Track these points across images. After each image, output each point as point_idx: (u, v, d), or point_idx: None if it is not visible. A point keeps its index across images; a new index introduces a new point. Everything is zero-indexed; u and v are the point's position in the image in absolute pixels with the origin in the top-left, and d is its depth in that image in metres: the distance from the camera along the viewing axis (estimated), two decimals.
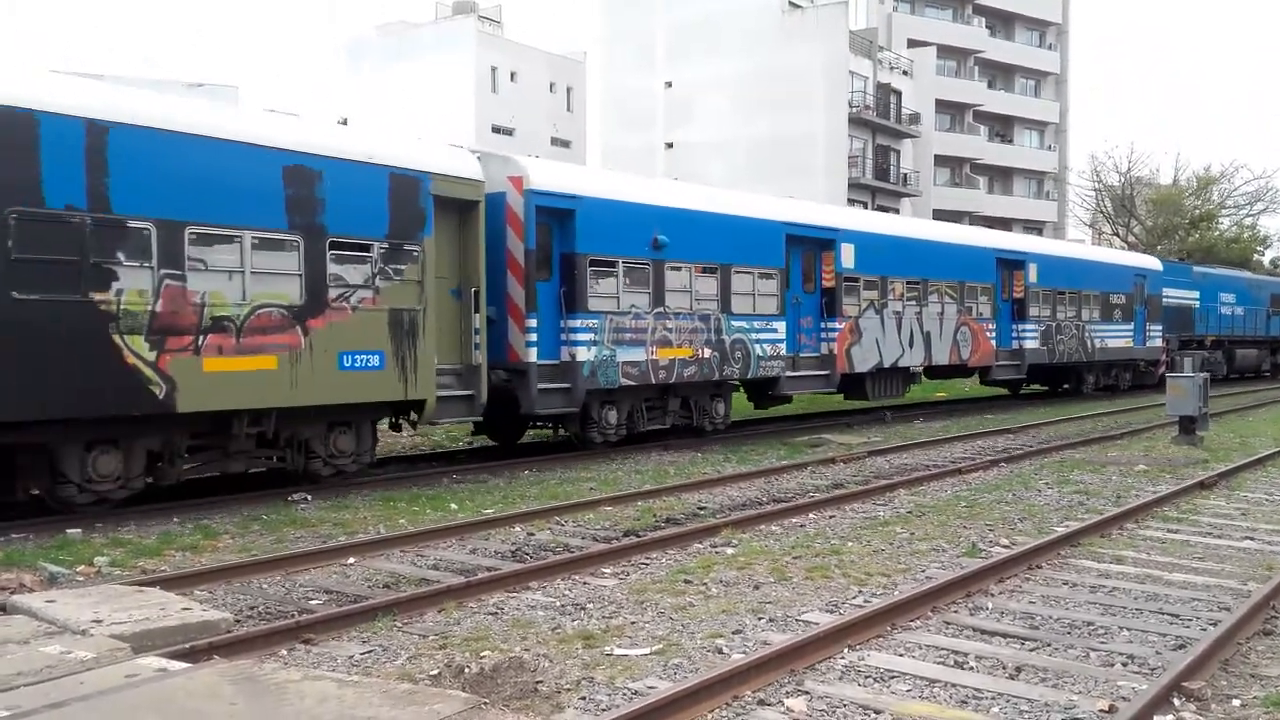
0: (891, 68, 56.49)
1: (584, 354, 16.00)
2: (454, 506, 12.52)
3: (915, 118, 58.01)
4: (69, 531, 10.66)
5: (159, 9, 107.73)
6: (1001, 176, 67.28)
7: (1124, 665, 6.79)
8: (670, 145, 52.17)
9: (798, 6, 51.86)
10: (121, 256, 10.93)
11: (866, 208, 50.16)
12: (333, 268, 12.82)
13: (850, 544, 10.40)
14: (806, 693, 6.20)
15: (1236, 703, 6.17)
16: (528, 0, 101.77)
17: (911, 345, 22.88)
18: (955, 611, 7.97)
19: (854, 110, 51.81)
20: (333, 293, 12.82)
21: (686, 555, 9.93)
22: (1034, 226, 64.46)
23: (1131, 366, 33.03)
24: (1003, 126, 67.83)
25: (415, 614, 7.85)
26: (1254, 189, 65.09)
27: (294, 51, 42.01)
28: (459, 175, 14.44)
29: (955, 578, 8.52)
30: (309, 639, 7.20)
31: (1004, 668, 6.70)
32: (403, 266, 13.56)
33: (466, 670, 6.39)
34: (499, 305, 15.32)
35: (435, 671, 6.48)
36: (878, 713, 5.91)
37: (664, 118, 52.58)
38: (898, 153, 56.57)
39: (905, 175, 56.98)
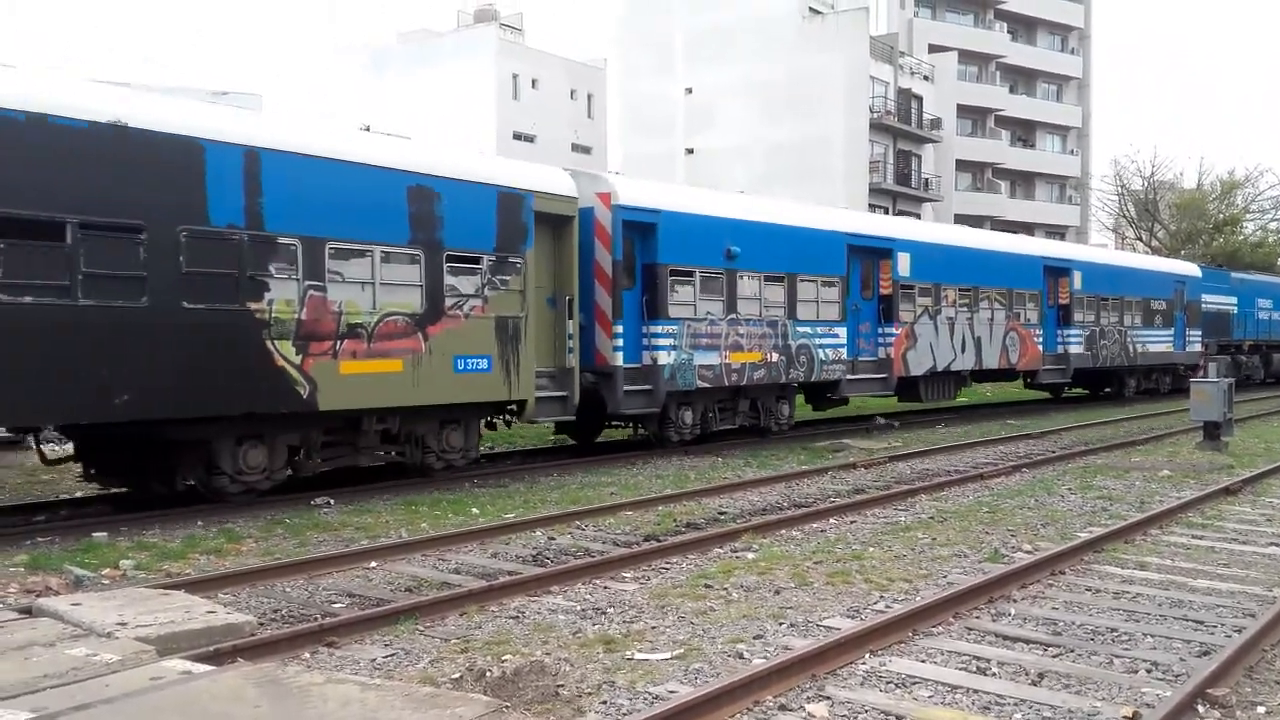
0: (912, 73, 56.36)
1: (664, 358, 17.10)
2: (475, 511, 12.56)
3: (936, 123, 57.84)
4: (94, 535, 10.76)
5: (157, 9, 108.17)
6: (1023, 181, 67.00)
7: (1148, 672, 6.75)
8: (691, 151, 52.18)
9: (818, 13, 51.83)
10: (272, 269, 12.14)
11: (887, 213, 50.06)
12: (449, 279, 14.00)
13: (871, 549, 10.38)
14: (828, 698, 6.19)
15: (1261, 709, 6.12)
16: (548, 8, 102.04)
17: (963, 350, 23.84)
18: (977, 617, 7.94)
19: (875, 115, 51.71)
20: (449, 301, 13.99)
21: (707, 560, 9.92)
22: (1056, 231, 64.16)
23: (1171, 370, 33.68)
24: (1024, 131, 67.57)
25: (437, 617, 7.88)
26: (1279, 193, 64.66)
27: (300, 54, 42.39)
28: (556, 193, 15.69)
29: (978, 583, 8.48)
30: (332, 642, 7.24)
31: (1026, 674, 6.67)
32: (508, 277, 14.77)
33: (488, 674, 6.41)
34: (587, 312, 16.42)
35: (457, 675, 6.50)
36: (899, 718, 5.89)
37: (684, 123, 52.58)
38: (919, 158, 56.41)
39: (926, 180, 56.81)
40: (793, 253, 19.58)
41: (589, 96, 62.50)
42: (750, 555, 10.10)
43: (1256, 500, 13.47)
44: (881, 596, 8.56)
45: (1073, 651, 7.13)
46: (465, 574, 9.48)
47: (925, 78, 57.72)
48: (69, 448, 11.98)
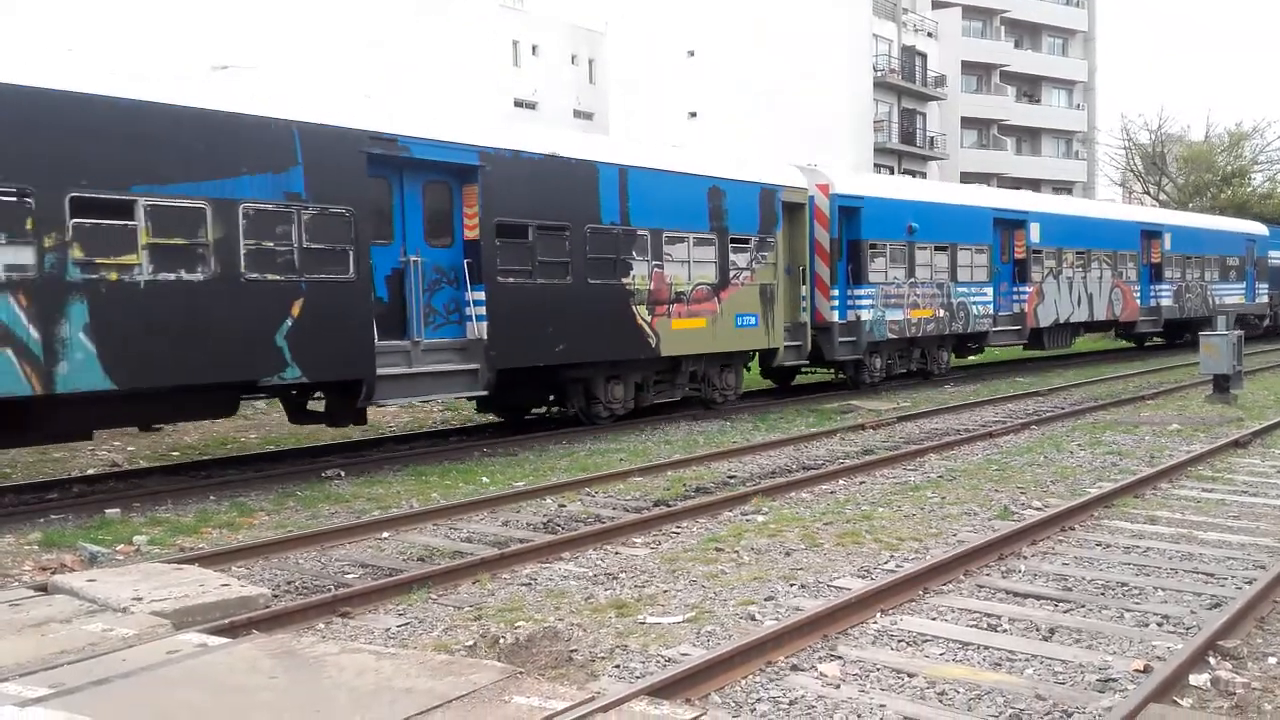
0: (916, 30, 55.82)
1: (865, 315, 21.17)
2: (485, 480, 12.61)
3: (941, 80, 57.37)
4: (107, 512, 10.82)
5: None
6: (1029, 137, 66.48)
7: (1159, 625, 6.77)
8: (694, 114, 51.84)
9: None
10: (634, 254, 16.33)
11: (893, 172, 49.76)
12: (731, 256, 18.11)
13: (881, 509, 10.40)
14: (839, 657, 6.22)
15: (1273, 660, 6.14)
16: None
17: (1079, 304, 27.98)
18: (988, 574, 7.96)
19: (879, 74, 51.29)
20: (731, 274, 18.11)
21: (717, 524, 9.96)
22: (1063, 187, 63.74)
23: (1243, 320, 35.61)
24: (1030, 87, 66.95)
25: (450, 586, 7.92)
26: None
27: (297, 21, 41.87)
28: (795, 185, 19.89)
29: (987, 541, 8.51)
30: (346, 612, 7.28)
31: (1037, 629, 6.69)
32: (766, 253, 18.90)
33: (502, 641, 6.45)
34: (809, 280, 20.42)
35: (471, 642, 6.54)
36: (911, 676, 5.93)
37: (687, 87, 52.20)
38: (924, 116, 56.00)
39: (932, 138, 56.42)
40: (954, 226, 23.68)
41: (590, 61, 62.02)
42: (760, 518, 10.13)
43: (1266, 453, 13.45)
44: (892, 556, 8.58)
45: (1083, 606, 7.16)
46: (477, 542, 9.53)
47: (929, 34, 57.18)
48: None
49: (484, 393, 14.71)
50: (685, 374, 17.93)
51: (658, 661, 6.16)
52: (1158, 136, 63.18)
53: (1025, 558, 8.47)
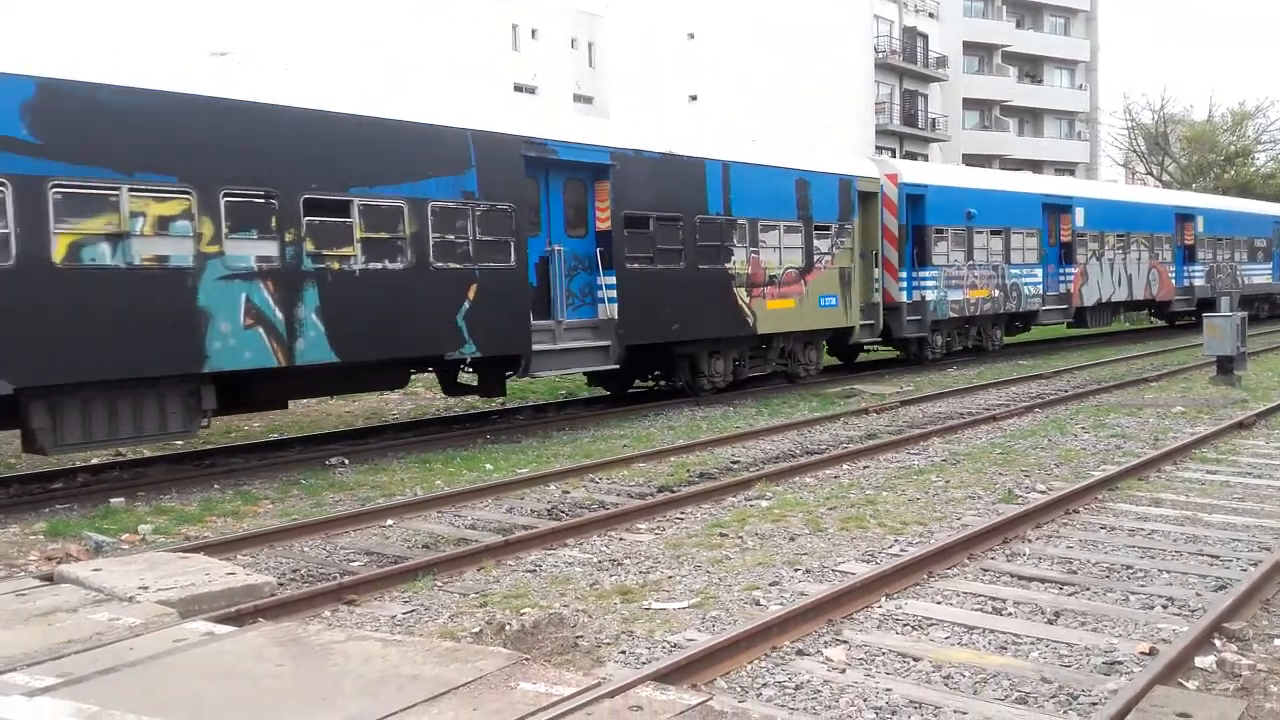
0: (917, 10, 55.56)
1: (930, 295, 22.95)
2: (489, 467, 12.61)
3: (942, 61, 57.15)
4: (112, 501, 10.84)
5: None
6: (1031, 118, 66.26)
7: (1164, 608, 6.77)
8: (694, 98, 51.65)
9: None
10: (735, 241, 17.94)
11: (895, 154, 49.59)
12: (815, 242, 19.71)
13: (885, 494, 10.40)
14: (845, 642, 6.23)
15: (1278, 642, 6.14)
16: None
17: (1120, 285, 29.65)
18: (992, 558, 7.97)
19: (880, 55, 51.10)
20: (815, 258, 19.72)
21: (721, 509, 9.96)
22: (1065, 168, 63.56)
23: (1269, 298, 39.58)
24: (1032, 67, 66.70)
25: (455, 573, 7.94)
26: None
27: (295, 5, 41.61)
28: (869, 175, 21.59)
29: (992, 524, 8.51)
30: (351, 600, 7.30)
31: (1042, 613, 6.70)
32: (844, 239, 20.49)
33: (507, 627, 6.46)
34: (879, 263, 22.06)
35: (477, 629, 6.55)
36: (916, 660, 5.93)
37: (687, 70, 52.00)
38: (925, 97, 55.80)
39: (934, 120, 56.23)
40: (1007, 211, 25.35)
41: (590, 45, 61.77)
42: (764, 503, 10.13)
43: (1270, 434, 13.44)
44: (896, 540, 8.59)
45: (1088, 589, 7.16)
46: (481, 529, 9.54)
47: (930, 15, 56.91)
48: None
49: (615, 366, 16.37)
50: (776, 350, 19.75)
51: (663, 647, 6.17)
52: (1160, 117, 63.02)
53: (1030, 541, 8.47)
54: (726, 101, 49.53)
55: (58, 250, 10.40)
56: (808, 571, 7.74)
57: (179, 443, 13.94)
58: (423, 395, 20.25)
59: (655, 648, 6.17)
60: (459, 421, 16.87)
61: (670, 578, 7.67)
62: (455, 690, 4.89)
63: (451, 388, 16.00)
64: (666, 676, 5.27)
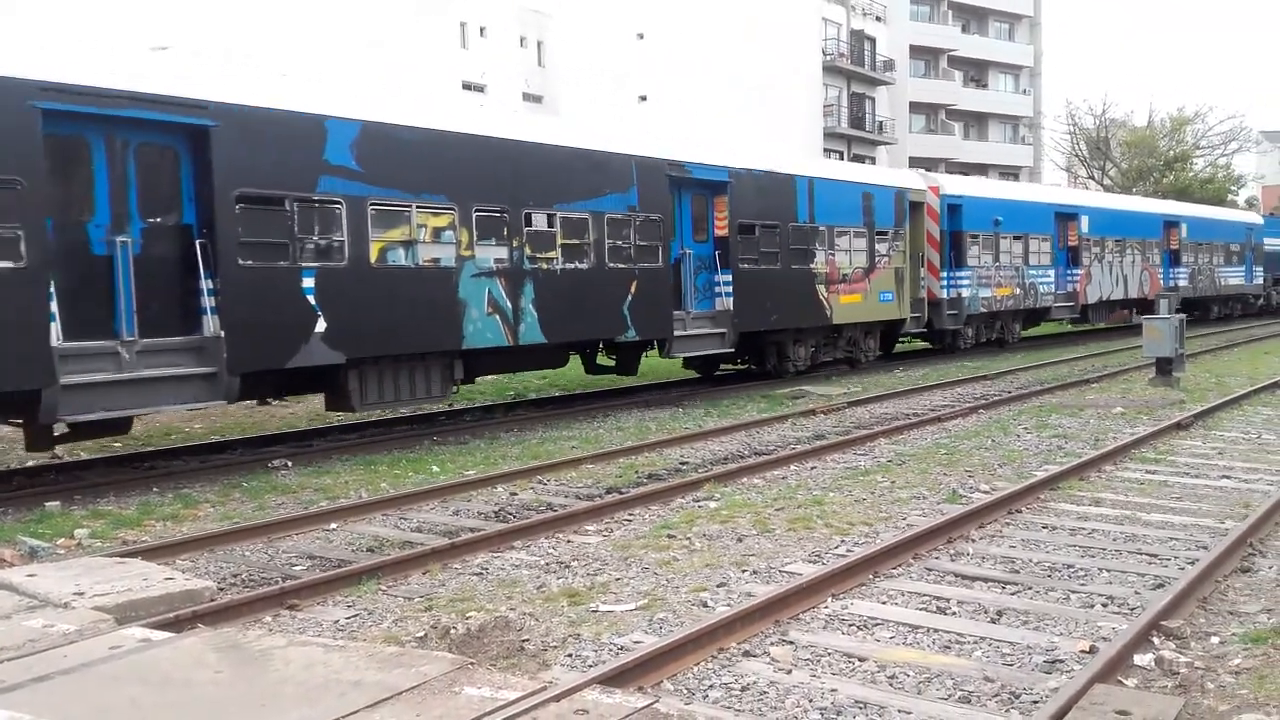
0: (865, 13, 56.06)
1: (965, 292, 25.92)
2: (435, 469, 12.51)
3: (889, 64, 57.69)
4: (48, 505, 10.59)
5: None
6: (976, 122, 67.10)
7: (1104, 606, 6.87)
8: (644, 98, 51.68)
9: None
10: (816, 245, 21.04)
11: (842, 157, 50.00)
12: (876, 245, 22.83)
13: (832, 494, 10.46)
14: (791, 642, 6.24)
15: (1216, 640, 6.25)
16: None
17: (1117, 285, 32.81)
18: (937, 558, 8.03)
19: (828, 58, 51.48)
20: (877, 259, 22.82)
21: (669, 510, 9.96)
22: (1010, 172, 64.43)
23: (1242, 299, 43.16)
24: (977, 72, 67.55)
25: (400, 577, 7.85)
26: (1227, 129, 65.34)
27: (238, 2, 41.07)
28: (916, 187, 24.85)
29: (936, 524, 8.58)
30: (293, 605, 7.19)
31: (985, 612, 6.76)
32: (898, 243, 23.60)
33: (453, 631, 6.40)
34: (922, 264, 25.16)
35: (421, 633, 6.49)
36: (862, 660, 5.96)
37: (636, 70, 52.02)
38: (872, 100, 56.31)
39: (881, 123, 56.76)
40: (1026, 219, 28.53)
41: (539, 44, 61.56)
42: (712, 504, 10.14)
43: (1208, 434, 13.70)
44: (842, 541, 8.63)
45: (1030, 589, 7.24)
46: (427, 532, 9.45)
47: (878, 18, 57.45)
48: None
49: (731, 350, 19.37)
50: (845, 338, 22.79)
51: (610, 650, 6.14)
52: (1102, 122, 64.12)
53: (973, 541, 8.56)
54: (676, 102, 49.63)
55: (373, 253, 13.25)
56: (755, 572, 7.75)
57: (117, 444, 13.69)
58: None
59: (602, 650, 6.14)
60: (405, 423, 16.72)
61: (618, 580, 7.65)
62: (398, 696, 4.82)
63: (592, 368, 18.91)
64: (613, 680, 5.24)
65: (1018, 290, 28.03)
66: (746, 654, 6.08)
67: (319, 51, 44.23)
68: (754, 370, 21.66)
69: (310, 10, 45.60)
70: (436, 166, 14.01)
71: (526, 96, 58.35)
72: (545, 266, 15.44)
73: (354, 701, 4.77)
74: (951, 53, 63.99)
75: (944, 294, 25.46)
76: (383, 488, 11.38)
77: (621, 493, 10.77)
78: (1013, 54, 69.23)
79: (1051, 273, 29.58)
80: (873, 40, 56.25)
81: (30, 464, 13.18)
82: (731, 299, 18.85)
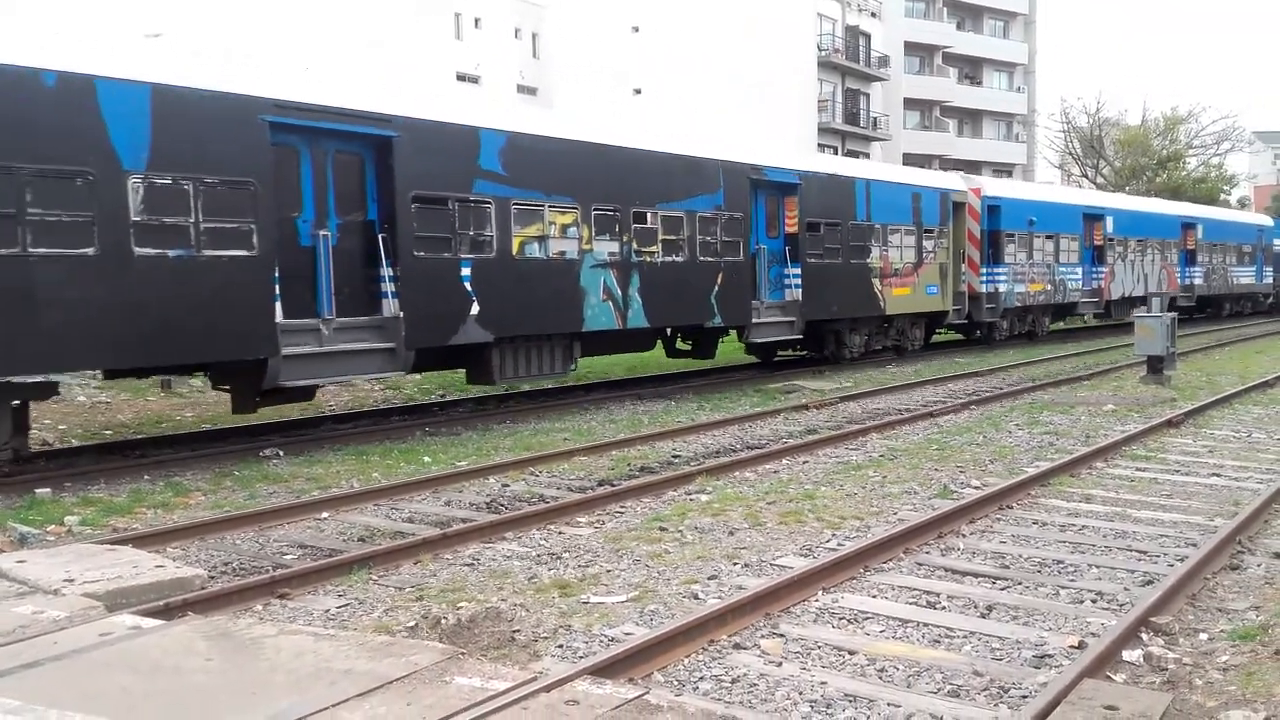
0: (860, 9, 55.99)
1: (1001, 287, 27.73)
2: (427, 459, 12.50)
3: (884, 60, 57.63)
4: (38, 491, 10.57)
5: None
6: (971, 119, 67.11)
7: (1093, 602, 6.89)
8: (638, 91, 51.58)
9: None
10: (872, 241, 22.77)
11: (836, 152, 49.98)
12: (924, 242, 24.60)
13: (823, 488, 10.47)
14: (781, 635, 6.25)
15: (1204, 636, 6.27)
16: None
17: (1138, 282, 34.54)
18: (927, 553, 8.05)
19: (823, 54, 51.41)
20: (924, 255, 24.64)
21: (661, 503, 9.96)
22: (1003, 169, 64.47)
23: (1252, 297, 45.36)
24: (972, 69, 67.56)
25: (391, 566, 7.85)
26: (1220, 129, 65.46)
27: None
28: (957, 189, 26.74)
29: (927, 519, 8.60)
30: (284, 594, 7.18)
31: (975, 607, 6.78)
32: (942, 240, 25.43)
33: (443, 621, 6.40)
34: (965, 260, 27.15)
35: (412, 623, 6.48)
36: (852, 653, 5.97)
37: (632, 64, 51.91)
38: (867, 96, 56.25)
39: (875, 119, 56.72)
40: (1057, 219, 30.39)
41: (534, 36, 61.43)
42: (704, 497, 10.15)
43: (1198, 432, 13.74)
44: (833, 534, 8.65)
45: (1020, 584, 7.26)
46: (419, 522, 9.45)
47: (872, 14, 57.37)
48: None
49: (799, 336, 21.11)
50: (895, 328, 24.72)
51: (601, 641, 6.15)
52: (1095, 120, 64.16)
53: (964, 536, 8.58)
54: (671, 96, 49.56)
55: (514, 247, 15.19)
56: (746, 565, 7.76)
57: (108, 432, 13.63)
58: (360, 387, 20.02)
59: (593, 641, 6.15)
60: (397, 413, 16.70)
61: (609, 572, 7.65)
62: (389, 685, 4.82)
63: (671, 352, 20.73)
64: (603, 670, 5.25)
65: (1048, 286, 29.89)
66: (737, 646, 6.08)
67: (314, 43, 44.06)
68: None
69: (308, 5, 45.42)
70: (564, 171, 15.95)
71: (521, 89, 58.21)
72: (648, 259, 17.40)
73: (344, 690, 4.77)
74: (946, 49, 63.98)
75: (983, 288, 27.25)
76: (375, 478, 11.38)
77: (613, 485, 10.77)
78: (1007, 51, 69.25)
79: (1079, 270, 31.52)
80: (868, 36, 56.18)
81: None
82: (800, 290, 20.76)
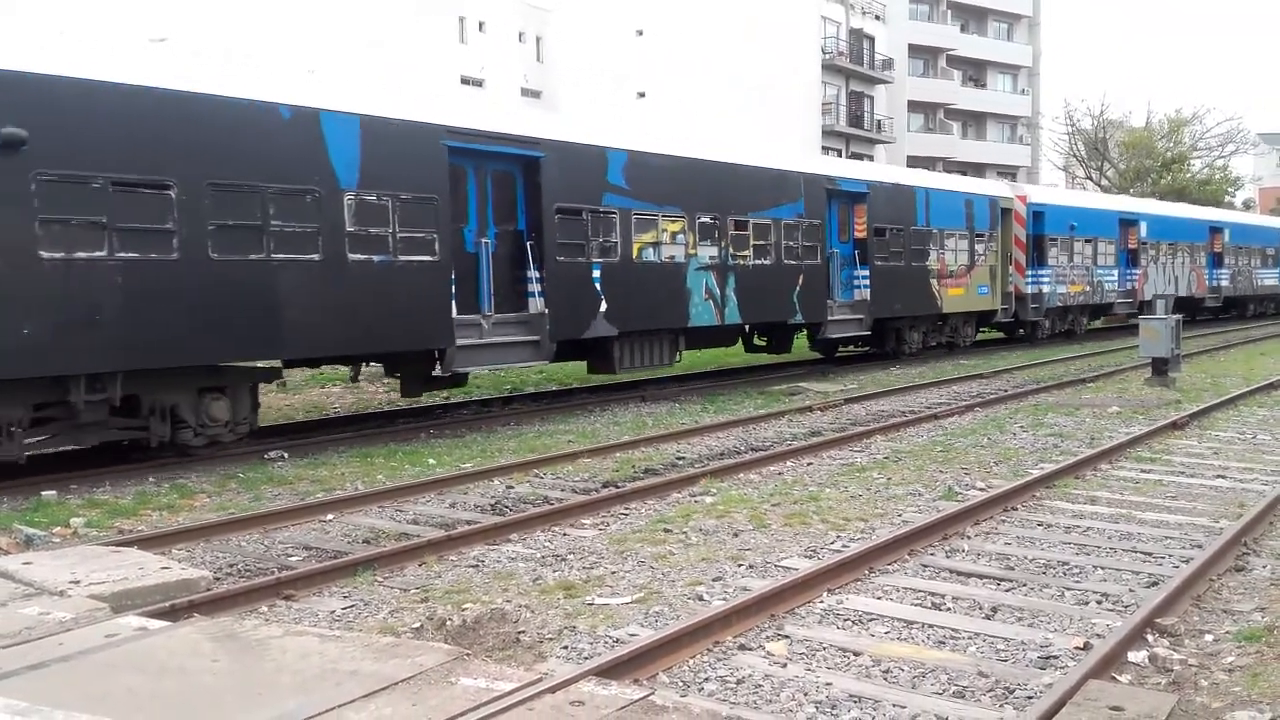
0: (864, 12, 56.02)
1: (1045, 288, 29.56)
2: (432, 461, 12.51)
3: (888, 63, 57.66)
4: (44, 494, 10.59)
5: None
6: (975, 121, 67.09)
7: (1098, 603, 6.88)
8: (642, 95, 51.60)
9: None
10: (930, 245, 24.77)
11: (840, 155, 49.97)
12: (975, 246, 26.40)
13: (828, 490, 10.47)
14: (786, 636, 6.25)
15: (1209, 637, 6.27)
16: None
17: (1169, 284, 36.07)
18: (932, 554, 8.05)
19: (827, 57, 51.45)
20: (976, 258, 26.46)
21: (666, 505, 9.97)
22: (1007, 172, 64.40)
23: (1275, 298, 47.20)
24: (976, 71, 67.52)
25: (396, 568, 7.86)
26: (1225, 131, 65.39)
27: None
28: (1006, 196, 28.66)
29: (932, 521, 8.60)
30: (289, 595, 7.20)
31: (980, 608, 6.78)
32: (992, 244, 27.33)
33: (449, 622, 6.41)
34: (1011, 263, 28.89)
35: (417, 624, 6.49)
36: (857, 654, 5.97)
37: (636, 67, 51.94)
38: (871, 99, 56.28)
39: (879, 122, 56.74)
40: (1095, 224, 32.11)
41: (538, 39, 61.45)
42: (709, 499, 10.15)
43: (1203, 434, 13.72)
44: (838, 536, 8.64)
45: (1025, 585, 7.26)
46: (423, 524, 9.46)
47: (876, 17, 57.41)
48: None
49: (868, 333, 23.21)
50: (950, 326, 26.56)
51: (606, 642, 6.15)
52: (1100, 122, 64.08)
53: (969, 537, 8.57)
54: (675, 99, 49.57)
55: (634, 251, 17.13)
56: (751, 567, 7.76)
57: None
58: (365, 389, 20.05)
59: (598, 643, 6.15)
60: (401, 416, 16.71)
61: (614, 573, 7.66)
62: (394, 686, 4.83)
63: (749, 347, 22.51)
64: (609, 672, 5.25)
65: (1087, 287, 31.67)
66: (742, 647, 6.09)
67: (317, 47, 44.07)
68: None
69: (308, 6, 45.43)
70: (674, 184, 17.87)
71: (525, 92, 58.20)
72: (741, 262, 19.20)
73: (350, 691, 4.78)
74: (950, 52, 63.95)
75: (1028, 289, 29.02)
76: (379, 480, 11.39)
77: (618, 487, 10.77)
78: (1011, 54, 69.20)
79: (1115, 272, 33.32)
80: (871, 39, 56.21)
81: (27, 453, 13.13)
82: (868, 290, 22.58)
